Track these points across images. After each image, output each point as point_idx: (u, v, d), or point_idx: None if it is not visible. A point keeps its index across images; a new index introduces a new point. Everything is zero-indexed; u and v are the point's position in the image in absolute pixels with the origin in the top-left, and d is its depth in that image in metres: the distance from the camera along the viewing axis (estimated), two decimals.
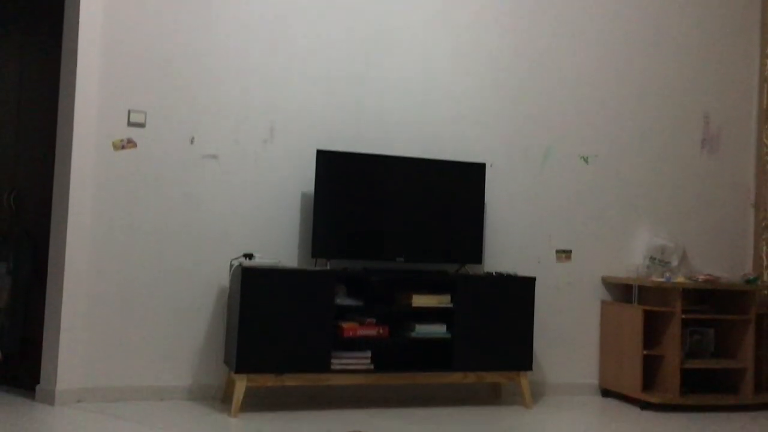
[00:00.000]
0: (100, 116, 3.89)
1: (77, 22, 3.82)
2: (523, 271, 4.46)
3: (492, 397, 4.42)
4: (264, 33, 4.15)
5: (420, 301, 4.00)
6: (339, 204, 4.09)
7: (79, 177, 3.82)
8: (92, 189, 3.86)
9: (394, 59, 4.38)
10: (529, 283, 4.21)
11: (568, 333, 4.63)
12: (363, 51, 4.32)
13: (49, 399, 3.74)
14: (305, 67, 4.22)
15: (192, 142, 4.03)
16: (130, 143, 3.94)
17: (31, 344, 3.97)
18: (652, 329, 4.41)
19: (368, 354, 3.91)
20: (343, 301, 3.92)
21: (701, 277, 4.52)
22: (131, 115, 3.93)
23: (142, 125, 3.95)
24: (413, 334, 4.00)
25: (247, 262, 3.86)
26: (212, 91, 4.07)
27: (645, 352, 4.31)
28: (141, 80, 3.95)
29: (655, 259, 4.67)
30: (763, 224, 5.00)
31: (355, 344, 3.90)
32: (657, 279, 4.47)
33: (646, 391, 4.33)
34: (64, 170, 3.83)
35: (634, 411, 4.26)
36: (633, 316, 4.39)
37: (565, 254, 4.66)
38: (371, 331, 3.91)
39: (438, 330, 4.03)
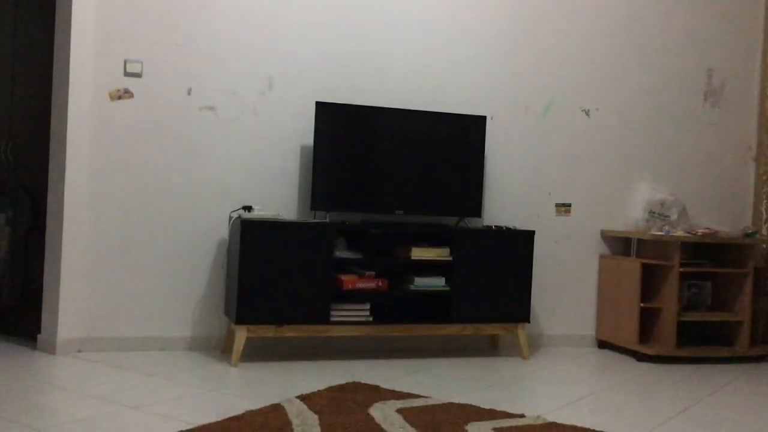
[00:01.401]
0: (96, 66, 3.84)
1: None
2: (522, 225, 4.46)
3: (490, 348, 4.46)
4: None
5: (419, 253, 4.01)
6: (338, 156, 4.07)
7: (76, 128, 3.79)
8: (89, 140, 3.84)
9: (394, 11, 4.31)
10: (528, 236, 4.21)
11: (567, 286, 4.65)
12: (363, 3, 4.24)
13: (50, 349, 3.77)
14: (304, 18, 4.15)
15: (189, 93, 3.99)
16: (127, 93, 3.89)
17: (32, 294, 3.99)
18: (650, 282, 4.43)
19: (367, 306, 3.93)
20: (342, 253, 3.93)
21: (700, 231, 4.52)
22: (127, 65, 3.88)
23: (138, 75, 3.90)
24: (412, 287, 4.02)
25: (246, 215, 3.85)
26: (209, 42, 4.01)
27: (642, 305, 4.34)
28: (137, 30, 3.89)
29: (654, 212, 4.66)
30: (764, 178, 4.99)
31: (354, 296, 3.92)
32: (656, 233, 4.47)
33: (642, 343, 4.37)
34: (60, 121, 3.80)
35: (631, 362, 4.30)
36: (631, 269, 4.41)
37: (564, 208, 4.65)
38: (370, 284, 3.93)
39: (437, 283, 4.05)
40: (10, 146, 4.15)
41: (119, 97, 3.88)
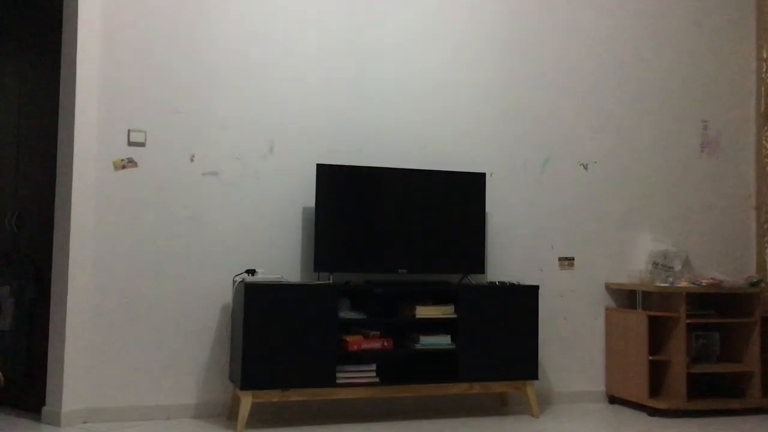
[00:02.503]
0: (100, 136, 3.90)
1: (75, 43, 3.84)
2: (526, 280, 4.46)
3: (498, 407, 4.40)
4: (261, 50, 4.17)
5: (424, 312, 4.00)
6: (340, 217, 4.10)
7: (81, 197, 3.83)
8: (94, 209, 3.87)
9: (391, 72, 4.39)
10: (532, 291, 4.20)
11: (573, 340, 4.62)
12: (360, 64, 4.34)
13: (55, 420, 3.73)
14: (303, 83, 4.24)
15: (192, 159, 4.05)
16: (131, 163, 3.95)
17: (36, 366, 3.97)
18: (657, 335, 4.40)
19: (373, 367, 3.90)
20: (346, 314, 3.92)
21: (705, 281, 4.51)
22: (131, 134, 3.95)
23: (142, 144, 3.96)
24: (418, 346, 3.99)
25: (249, 278, 3.86)
26: (211, 109, 4.08)
27: (651, 358, 4.30)
28: (140, 100, 3.97)
29: (657, 264, 4.66)
30: (765, 226, 5.00)
31: (359, 357, 3.90)
32: (660, 284, 4.46)
33: (653, 396, 4.31)
34: (65, 191, 3.84)
35: (642, 417, 4.24)
36: (638, 321, 4.38)
37: (567, 261, 4.65)
38: (376, 344, 3.90)
39: (442, 341, 4.02)
40: (15, 217, 4.18)
41: (123, 167, 3.93)
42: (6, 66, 4.33)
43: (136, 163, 3.96)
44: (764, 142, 5.04)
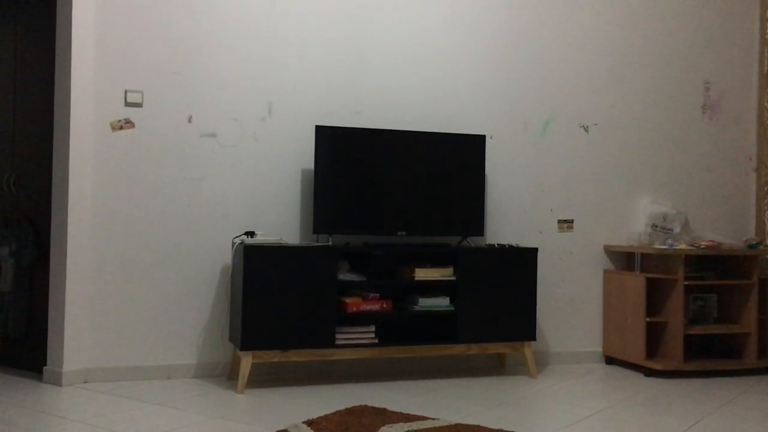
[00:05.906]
0: (97, 97, 3.87)
1: (71, 2, 3.78)
2: (525, 242, 4.46)
3: (496, 367, 4.44)
4: (260, 9, 4.12)
5: (423, 274, 4.01)
6: (339, 179, 4.08)
7: (78, 159, 3.81)
8: (91, 170, 3.86)
9: (391, 33, 4.34)
10: (531, 253, 4.21)
11: (572, 302, 4.64)
12: (360, 25, 4.28)
13: (57, 380, 3.77)
14: (302, 44, 4.19)
15: (190, 120, 4.02)
16: (128, 124, 3.92)
17: (37, 326, 3.99)
18: (655, 296, 4.42)
19: (372, 328, 3.92)
20: (345, 276, 3.93)
21: (703, 243, 4.52)
22: (128, 95, 3.91)
23: (139, 105, 3.93)
24: (416, 308, 4.01)
25: (249, 240, 3.86)
26: (209, 69, 4.04)
27: (648, 320, 4.32)
28: (137, 60, 3.93)
29: (657, 226, 4.66)
30: (765, 189, 4.99)
31: (359, 319, 3.92)
32: (659, 246, 4.47)
33: (649, 358, 4.35)
34: (62, 152, 3.82)
35: (639, 378, 4.28)
36: (635, 283, 4.40)
37: (566, 224, 4.66)
38: (375, 306, 3.92)
39: (441, 303, 4.04)
40: (13, 178, 4.17)
41: (120, 128, 3.90)
42: (1, 27, 4.27)
43: (133, 123, 3.93)
44: (766, 104, 5.01)
